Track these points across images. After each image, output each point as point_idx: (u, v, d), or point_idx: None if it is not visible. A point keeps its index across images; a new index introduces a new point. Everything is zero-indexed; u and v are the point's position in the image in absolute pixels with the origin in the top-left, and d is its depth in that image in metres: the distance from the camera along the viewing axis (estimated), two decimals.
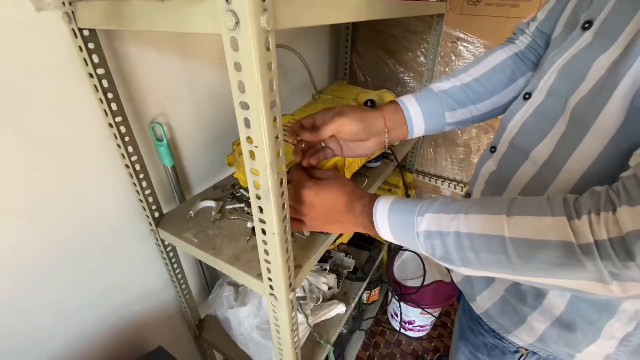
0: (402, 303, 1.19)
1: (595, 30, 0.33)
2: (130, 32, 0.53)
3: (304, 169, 0.48)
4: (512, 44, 0.49)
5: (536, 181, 0.36)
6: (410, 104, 0.47)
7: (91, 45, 0.44)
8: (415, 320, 1.26)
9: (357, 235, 1.05)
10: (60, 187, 0.51)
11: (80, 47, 0.43)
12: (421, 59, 1.02)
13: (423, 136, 1.13)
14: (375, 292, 1.24)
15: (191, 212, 0.63)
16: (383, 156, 0.82)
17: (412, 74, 1.06)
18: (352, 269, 0.93)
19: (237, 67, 0.26)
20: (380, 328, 1.35)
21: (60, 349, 0.58)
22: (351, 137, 0.45)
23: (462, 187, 1.14)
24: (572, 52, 0.34)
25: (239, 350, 0.75)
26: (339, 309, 0.78)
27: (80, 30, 0.42)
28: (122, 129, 0.51)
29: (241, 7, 0.24)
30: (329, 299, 0.81)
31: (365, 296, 1.23)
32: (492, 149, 0.44)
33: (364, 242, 1.06)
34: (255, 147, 0.30)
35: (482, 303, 0.47)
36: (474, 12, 0.90)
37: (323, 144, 0.49)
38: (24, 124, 0.45)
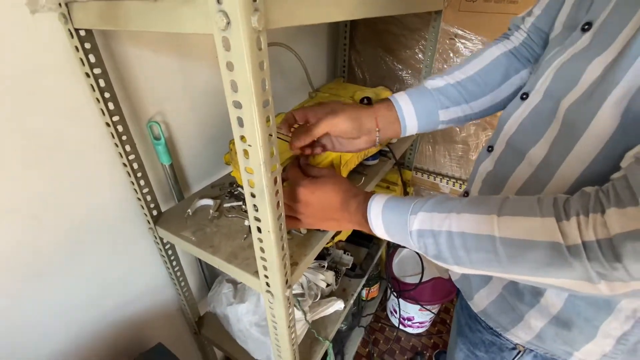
0: (401, 300, 1.20)
1: (594, 33, 0.32)
2: (126, 32, 0.53)
3: (299, 167, 0.49)
4: (507, 39, 0.49)
5: (532, 182, 0.37)
6: (404, 102, 0.47)
7: (87, 46, 0.44)
8: (415, 317, 1.26)
9: (355, 233, 1.05)
10: (59, 186, 0.51)
11: (76, 47, 0.44)
12: (419, 56, 1.02)
13: (420, 134, 1.13)
14: (375, 288, 1.25)
15: (189, 210, 0.63)
16: (381, 154, 0.82)
17: (410, 71, 1.06)
18: (350, 265, 0.93)
19: (230, 66, 0.27)
20: (380, 324, 1.36)
21: (61, 347, 0.59)
22: (344, 134, 0.45)
23: (460, 184, 1.15)
24: (570, 54, 0.34)
25: (238, 347, 0.76)
26: (338, 305, 0.79)
27: (77, 30, 0.42)
28: (120, 128, 0.51)
29: (232, 7, 0.24)
30: (328, 295, 0.82)
31: (364, 293, 1.23)
32: (490, 148, 0.44)
33: (363, 239, 1.06)
34: (249, 145, 0.30)
35: (479, 301, 0.47)
36: (471, 8, 0.89)
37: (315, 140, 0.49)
38: (23, 124, 0.45)
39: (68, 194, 0.53)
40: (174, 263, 0.70)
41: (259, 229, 0.38)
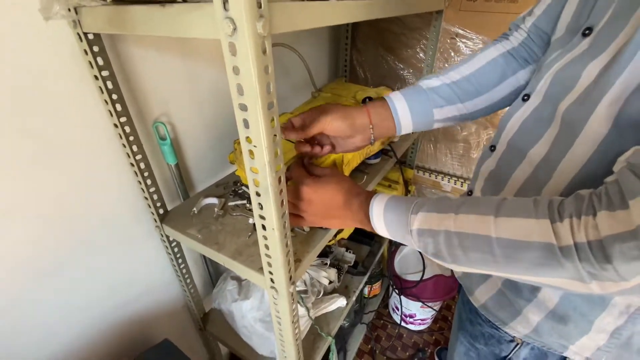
0: (402, 297, 1.21)
1: (593, 38, 0.33)
2: (133, 35, 0.55)
3: (303, 166, 0.50)
4: (506, 40, 0.49)
5: (531, 181, 0.37)
6: (397, 100, 0.48)
7: (96, 49, 0.45)
8: (416, 314, 1.27)
9: (357, 231, 1.06)
10: (68, 186, 0.53)
11: (85, 51, 0.45)
12: (420, 55, 1.03)
13: (421, 133, 1.13)
14: (377, 286, 1.26)
15: (195, 208, 0.64)
16: (383, 152, 0.83)
17: (411, 70, 1.06)
18: (352, 263, 0.94)
19: (236, 70, 0.28)
20: (382, 321, 1.37)
21: (70, 342, 0.60)
22: (337, 133, 0.46)
23: (462, 182, 1.15)
24: (569, 58, 0.35)
25: (242, 343, 0.77)
26: (340, 302, 0.80)
27: (85, 34, 0.43)
28: (127, 129, 0.52)
29: (238, 14, 0.25)
30: (330, 292, 0.83)
31: (366, 290, 1.25)
32: (492, 147, 0.45)
33: (365, 237, 1.07)
34: (254, 146, 0.31)
35: (480, 296, 0.48)
36: (472, 8, 0.90)
37: (316, 141, 0.50)
38: (33, 126, 0.46)
39: (76, 194, 0.54)
40: (180, 260, 0.72)
41: (263, 227, 0.39)
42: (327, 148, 0.49)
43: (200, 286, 0.85)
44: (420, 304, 1.20)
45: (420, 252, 1.21)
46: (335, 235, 0.77)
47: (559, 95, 0.35)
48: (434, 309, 1.25)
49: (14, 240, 0.48)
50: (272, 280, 0.47)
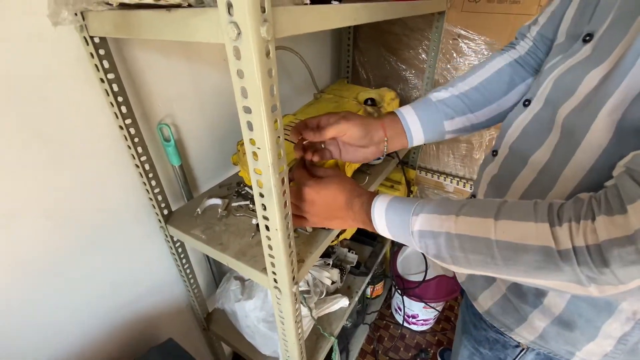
0: (405, 297, 1.21)
1: (594, 44, 0.33)
2: (138, 39, 0.55)
3: (305, 167, 0.50)
4: (513, 49, 0.49)
5: (536, 187, 0.37)
6: (408, 114, 0.48)
7: (102, 52, 0.46)
8: (419, 314, 1.27)
9: (360, 231, 1.07)
10: (74, 187, 0.53)
11: (91, 54, 0.45)
12: (422, 56, 1.03)
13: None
14: (379, 286, 1.26)
15: (199, 209, 0.65)
16: None
17: (414, 71, 1.07)
18: (355, 263, 0.94)
19: (240, 74, 0.28)
20: (384, 322, 1.37)
21: (75, 341, 0.61)
22: (353, 141, 0.47)
23: (464, 182, 1.15)
24: (570, 64, 0.35)
25: (245, 342, 0.77)
26: (343, 302, 0.80)
27: (92, 38, 0.44)
28: (132, 130, 0.53)
29: (243, 18, 0.25)
30: (333, 293, 0.83)
31: (369, 291, 1.25)
32: (494, 152, 0.45)
33: (367, 238, 1.07)
34: (258, 148, 0.32)
35: (484, 302, 0.48)
36: (474, 9, 0.90)
37: (323, 145, 0.50)
38: (40, 128, 0.47)
39: (82, 195, 0.55)
40: (184, 261, 0.72)
41: (267, 227, 0.39)
42: (326, 154, 0.49)
43: (203, 286, 0.86)
44: (422, 304, 1.20)
45: (423, 253, 1.21)
46: (338, 236, 0.78)
47: (559, 100, 0.35)
48: (437, 310, 1.25)
49: (21, 240, 0.49)
50: (275, 280, 0.47)
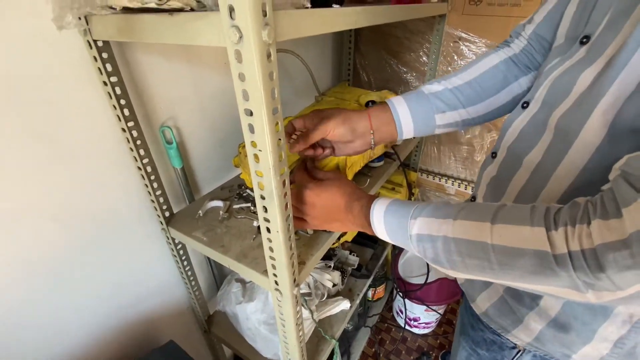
0: (407, 300, 1.20)
1: (589, 46, 0.33)
2: (140, 42, 0.56)
3: (306, 170, 0.50)
4: (507, 47, 0.49)
5: (529, 187, 0.38)
6: (399, 104, 0.48)
7: (105, 55, 0.46)
8: (420, 317, 1.27)
9: (361, 234, 1.06)
10: (77, 190, 0.54)
11: (95, 57, 0.46)
12: (424, 58, 1.03)
13: (424, 136, 1.14)
14: (381, 289, 1.26)
15: (200, 211, 0.65)
16: (386, 155, 0.83)
17: (414, 74, 1.07)
18: (356, 266, 0.94)
19: (242, 77, 0.28)
20: (386, 325, 1.36)
21: (77, 342, 0.61)
22: (338, 138, 0.47)
23: (465, 185, 1.15)
24: (567, 66, 0.35)
25: (246, 345, 0.77)
26: (344, 305, 0.80)
27: (95, 41, 0.44)
28: (134, 133, 0.53)
29: (244, 22, 0.26)
30: (334, 295, 0.83)
31: (370, 293, 1.24)
32: (493, 154, 0.45)
33: (369, 240, 1.07)
34: (259, 150, 0.32)
35: (481, 304, 0.48)
36: (475, 12, 0.90)
37: (317, 144, 0.50)
38: (43, 129, 0.48)
39: (85, 197, 0.55)
40: (185, 263, 0.72)
41: (268, 230, 0.40)
42: (327, 151, 0.49)
43: (204, 288, 0.86)
44: (424, 307, 1.20)
45: None
46: (339, 238, 0.78)
47: (554, 102, 0.35)
48: (439, 313, 1.25)
49: (23, 240, 0.49)
50: (276, 282, 0.47)
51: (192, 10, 0.30)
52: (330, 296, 0.82)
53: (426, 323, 1.29)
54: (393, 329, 1.35)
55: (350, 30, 1.11)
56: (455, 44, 0.96)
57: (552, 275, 0.26)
